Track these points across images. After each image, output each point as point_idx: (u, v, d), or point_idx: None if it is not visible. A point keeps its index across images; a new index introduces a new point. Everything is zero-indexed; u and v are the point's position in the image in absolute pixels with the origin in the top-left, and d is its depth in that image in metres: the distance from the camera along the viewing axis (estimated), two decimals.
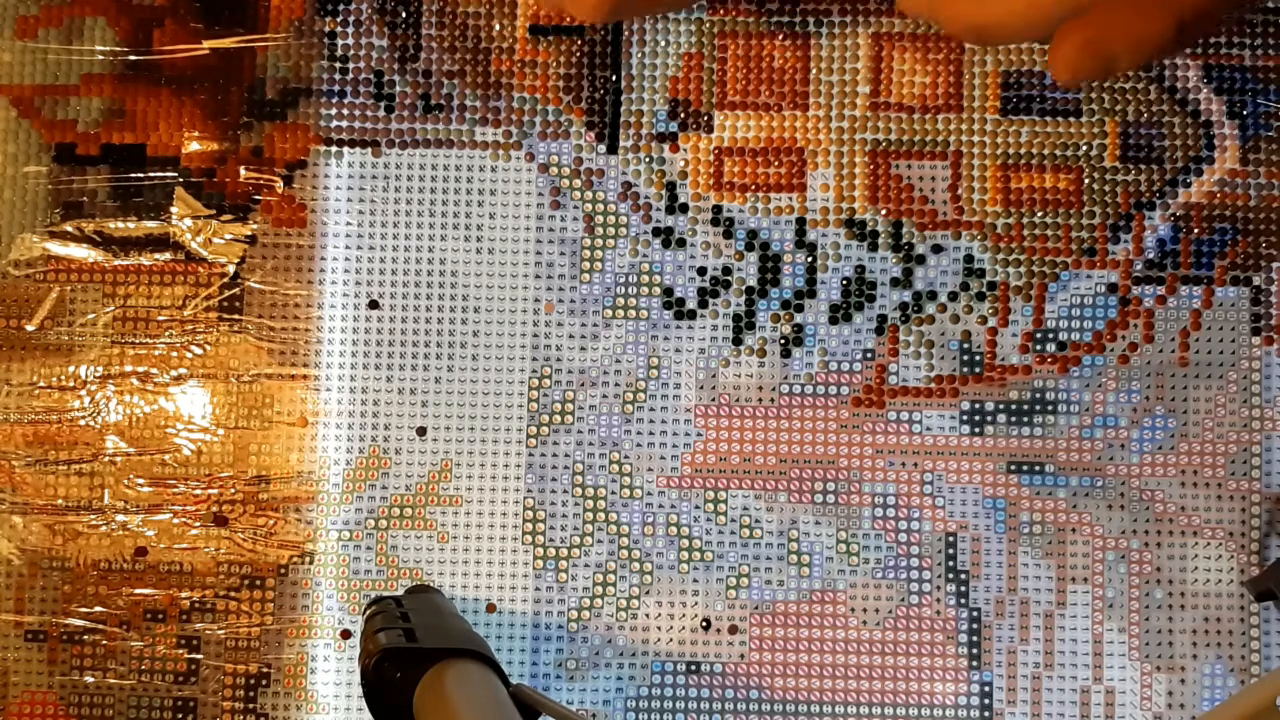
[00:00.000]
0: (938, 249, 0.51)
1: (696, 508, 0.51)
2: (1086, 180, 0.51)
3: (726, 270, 0.51)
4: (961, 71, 0.52)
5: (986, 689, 0.50)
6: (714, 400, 0.51)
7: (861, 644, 0.50)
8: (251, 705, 0.50)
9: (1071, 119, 0.51)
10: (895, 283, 0.51)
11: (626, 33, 0.52)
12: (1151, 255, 0.51)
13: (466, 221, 0.51)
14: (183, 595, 0.50)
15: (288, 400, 0.51)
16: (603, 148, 0.52)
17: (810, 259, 0.51)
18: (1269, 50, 0.52)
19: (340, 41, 0.52)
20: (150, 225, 0.51)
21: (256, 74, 0.52)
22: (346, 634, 0.50)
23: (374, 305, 0.51)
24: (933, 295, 0.51)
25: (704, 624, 0.50)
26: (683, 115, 0.52)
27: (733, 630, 0.50)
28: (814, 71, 0.52)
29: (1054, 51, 0.35)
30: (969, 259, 0.51)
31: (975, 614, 0.50)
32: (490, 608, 0.50)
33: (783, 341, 0.51)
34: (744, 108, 0.52)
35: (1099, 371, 0.51)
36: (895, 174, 0.52)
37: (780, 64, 0.52)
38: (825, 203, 0.51)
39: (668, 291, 0.51)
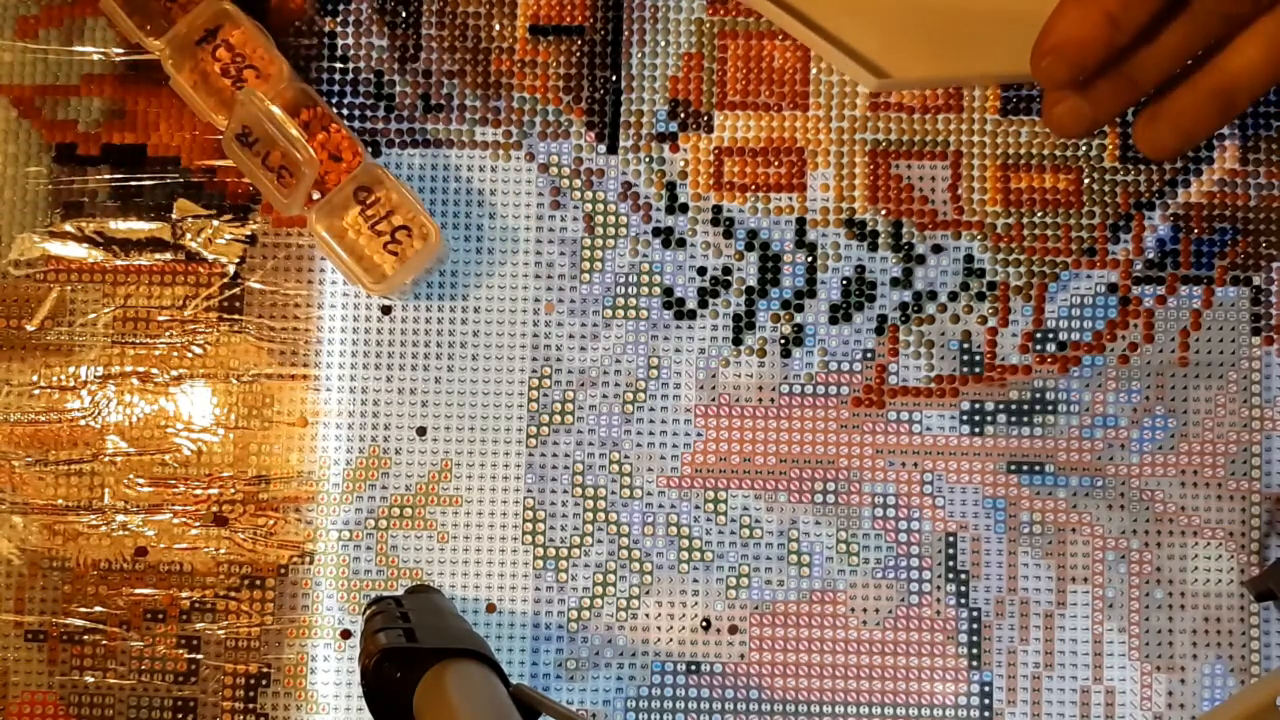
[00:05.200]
0: (938, 249, 0.51)
1: (696, 508, 0.51)
2: (1086, 180, 0.51)
3: (726, 270, 0.51)
4: None
5: (986, 689, 0.50)
6: (714, 400, 0.51)
7: (861, 644, 0.50)
8: (251, 705, 0.50)
9: None
10: (895, 283, 0.51)
11: (626, 33, 0.52)
12: (1151, 255, 0.51)
13: (466, 221, 0.51)
14: (183, 595, 0.50)
15: (288, 400, 0.51)
16: (603, 148, 0.52)
17: (810, 259, 0.51)
18: None
19: (340, 41, 0.52)
20: (150, 225, 0.51)
21: None
22: (346, 634, 0.50)
23: (386, 311, 0.51)
24: (933, 295, 0.51)
25: (704, 624, 0.50)
26: (683, 115, 0.52)
27: (733, 630, 0.50)
28: (814, 71, 0.52)
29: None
30: (969, 259, 0.51)
31: (975, 614, 0.50)
32: (490, 608, 0.50)
33: (783, 341, 0.51)
34: (744, 108, 0.52)
35: (1099, 371, 0.51)
36: (895, 174, 0.52)
37: (780, 64, 0.52)
38: (825, 203, 0.51)
39: (668, 291, 0.51)
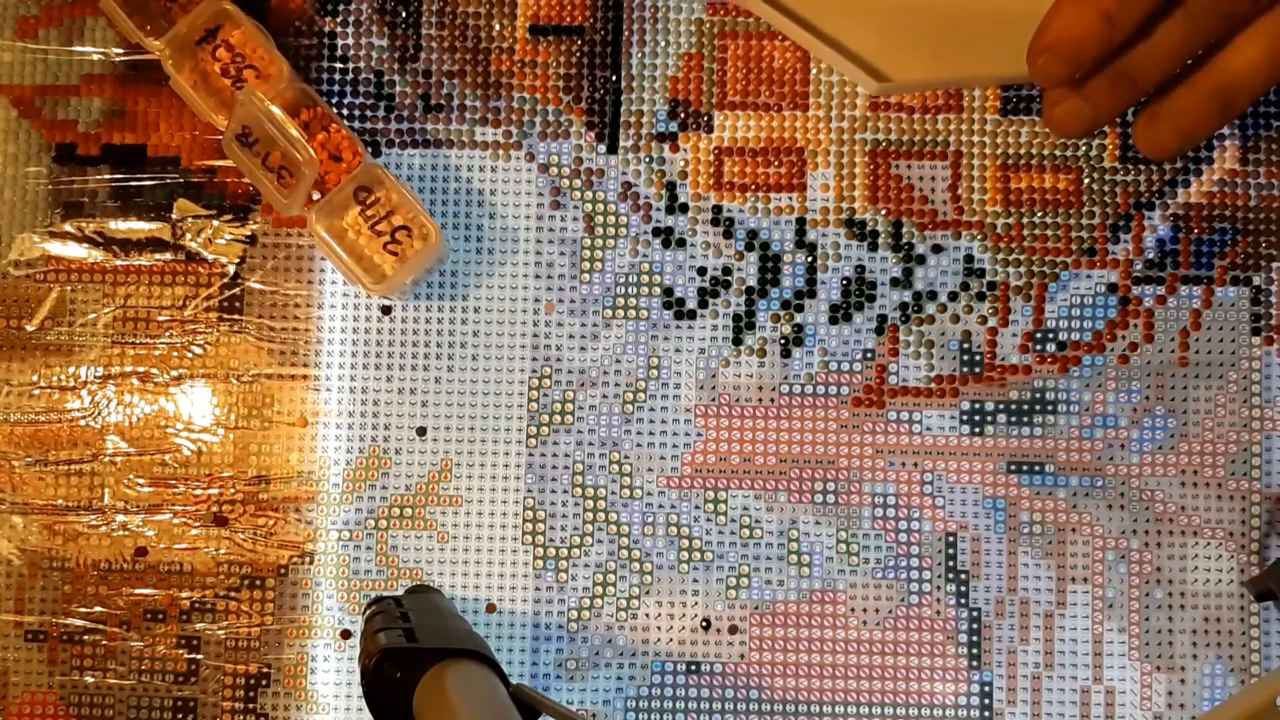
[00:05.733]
0: (938, 249, 0.51)
1: (696, 508, 0.51)
2: (1086, 180, 0.51)
3: (726, 270, 0.51)
4: None
5: (986, 689, 0.50)
6: (714, 400, 0.51)
7: (861, 644, 0.50)
8: (251, 705, 0.50)
9: None
10: (895, 283, 0.51)
11: (626, 33, 0.52)
12: (1151, 255, 0.51)
13: (466, 221, 0.51)
14: (183, 595, 0.50)
15: (288, 400, 0.51)
16: (603, 148, 0.52)
17: (810, 259, 0.51)
18: None
19: (340, 41, 0.52)
20: (150, 225, 0.51)
21: None
22: (346, 634, 0.50)
23: (386, 311, 0.51)
24: (933, 295, 0.51)
25: (704, 624, 0.50)
26: (683, 115, 0.52)
27: (733, 630, 0.50)
28: (814, 71, 0.52)
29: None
30: (969, 259, 0.51)
31: (975, 614, 0.50)
32: (490, 608, 0.50)
33: (783, 341, 0.51)
34: (744, 108, 0.52)
35: (1099, 371, 0.51)
36: (895, 174, 0.52)
37: (780, 64, 0.52)
38: (825, 203, 0.51)
39: (668, 291, 0.51)
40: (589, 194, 0.51)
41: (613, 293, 0.51)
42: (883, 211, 0.51)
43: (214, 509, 0.51)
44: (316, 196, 0.48)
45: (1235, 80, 0.41)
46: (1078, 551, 0.50)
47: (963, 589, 0.50)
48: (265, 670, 0.50)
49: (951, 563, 0.50)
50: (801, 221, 0.51)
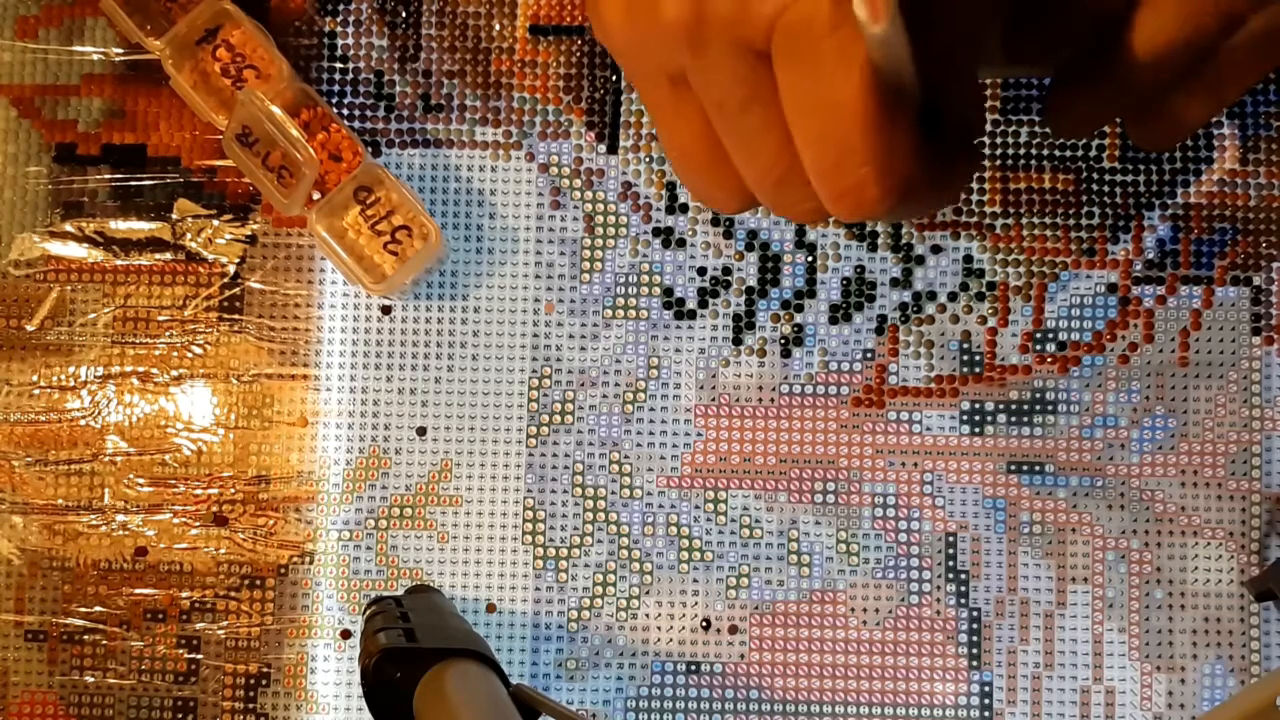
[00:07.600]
0: (937, 249, 0.51)
1: (696, 508, 0.51)
2: (1086, 180, 0.51)
3: (726, 270, 0.51)
4: None
5: (986, 689, 0.50)
6: (714, 400, 0.51)
7: (861, 644, 0.50)
8: (251, 705, 0.50)
9: None
10: (895, 283, 0.51)
11: None
12: (1151, 255, 0.51)
13: (466, 221, 0.51)
14: (183, 595, 0.50)
15: (288, 400, 0.51)
16: (603, 148, 0.52)
17: (810, 259, 0.51)
18: None
19: (340, 41, 0.52)
20: (150, 225, 0.51)
21: None
22: (346, 634, 0.50)
23: (386, 311, 0.51)
24: (932, 295, 0.51)
25: (704, 624, 0.50)
26: None
27: (733, 630, 0.50)
28: None
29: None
30: (968, 259, 0.51)
31: (975, 614, 0.50)
32: (490, 608, 0.50)
33: (783, 341, 0.51)
34: None
35: (1099, 371, 0.51)
36: None
37: None
38: None
39: (668, 291, 0.51)
40: (589, 194, 0.51)
41: (613, 293, 0.51)
42: None
43: (214, 509, 0.51)
44: (316, 196, 0.48)
45: (1225, 71, 0.41)
46: (1078, 551, 0.50)
47: (963, 589, 0.50)
48: (265, 670, 0.50)
49: (951, 563, 0.50)
50: None
